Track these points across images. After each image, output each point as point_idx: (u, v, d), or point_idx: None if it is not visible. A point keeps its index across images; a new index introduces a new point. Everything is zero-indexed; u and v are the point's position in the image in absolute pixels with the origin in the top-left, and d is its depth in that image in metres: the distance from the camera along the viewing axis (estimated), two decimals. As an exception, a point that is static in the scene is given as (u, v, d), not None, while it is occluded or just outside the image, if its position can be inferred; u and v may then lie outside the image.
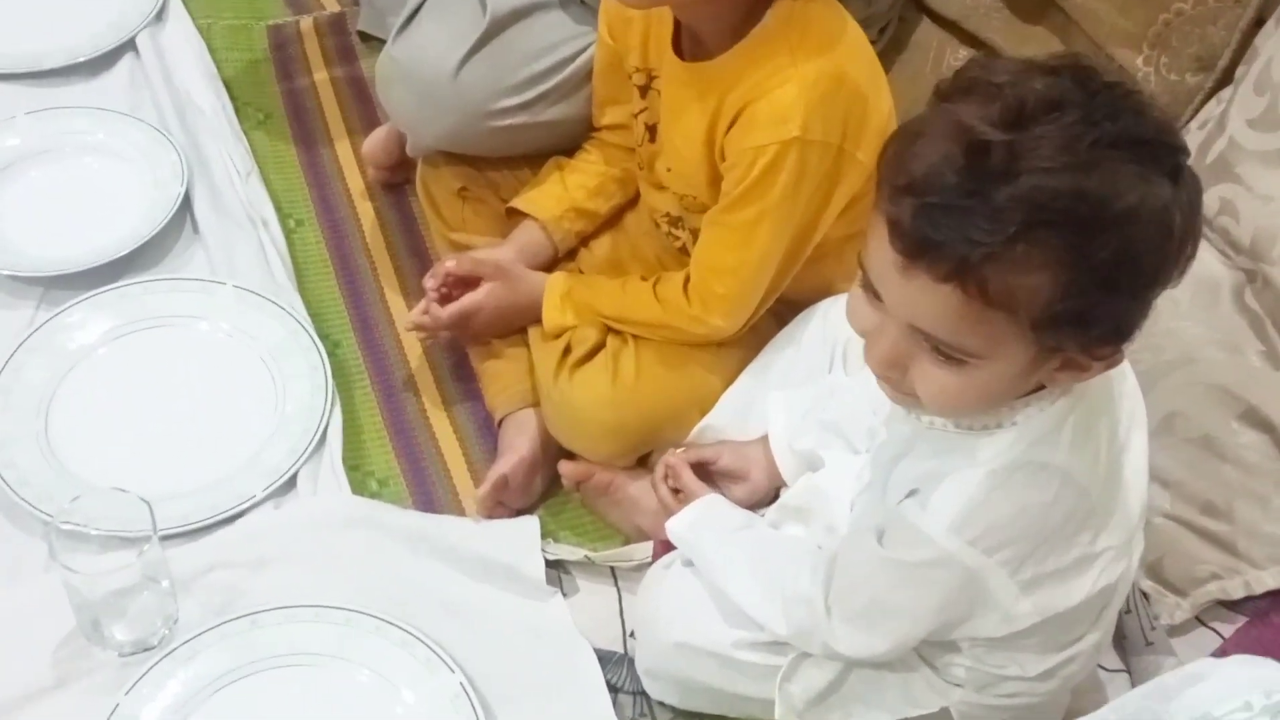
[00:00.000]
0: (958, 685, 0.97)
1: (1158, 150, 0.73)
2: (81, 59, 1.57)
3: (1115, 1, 1.32)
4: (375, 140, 1.48)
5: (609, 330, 1.20)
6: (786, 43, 1.05)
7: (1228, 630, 1.13)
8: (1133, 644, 1.13)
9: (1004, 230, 0.70)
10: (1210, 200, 1.23)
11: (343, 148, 1.53)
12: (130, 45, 1.59)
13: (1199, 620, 1.13)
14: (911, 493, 0.87)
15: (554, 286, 1.22)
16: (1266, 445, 1.13)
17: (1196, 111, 1.30)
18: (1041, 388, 0.82)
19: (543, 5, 1.29)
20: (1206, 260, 1.22)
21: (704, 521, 1.06)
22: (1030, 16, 1.44)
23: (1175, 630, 1.13)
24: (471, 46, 1.27)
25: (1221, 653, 1.12)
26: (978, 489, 0.82)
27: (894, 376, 0.81)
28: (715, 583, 1.03)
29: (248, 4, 1.71)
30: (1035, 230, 0.71)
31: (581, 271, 1.30)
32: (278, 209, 1.45)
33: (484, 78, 1.28)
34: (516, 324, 1.25)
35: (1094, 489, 0.85)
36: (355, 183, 1.50)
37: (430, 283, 1.23)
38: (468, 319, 1.24)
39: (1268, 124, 1.19)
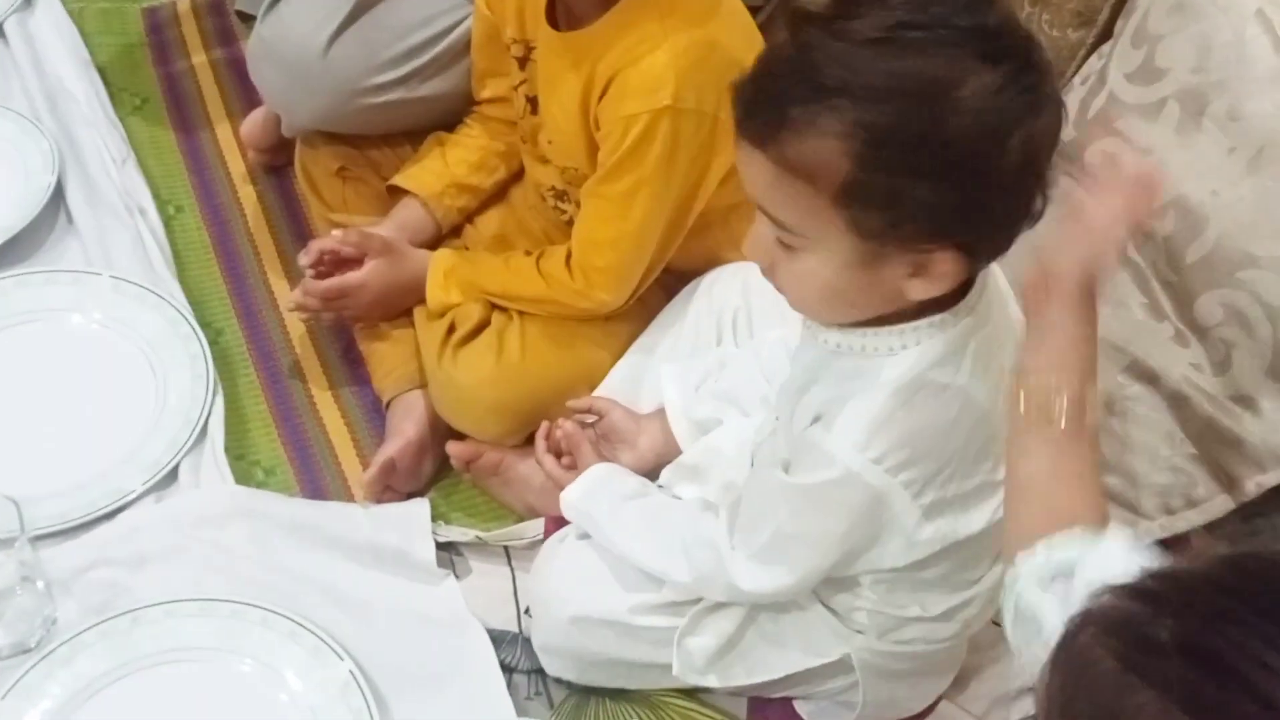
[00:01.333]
0: (859, 632, 0.98)
1: (986, 39, 0.75)
2: None
3: None
4: (253, 122, 1.46)
5: (494, 308, 1.20)
6: (657, 9, 1.05)
7: (1119, 580, 1.17)
8: (1028, 594, 1.15)
9: (802, 95, 0.74)
10: (1091, 153, 1.25)
11: (223, 131, 1.51)
12: None
13: (1092, 572, 1.17)
14: (816, 419, 0.87)
15: (437, 264, 1.22)
16: (1152, 396, 1.15)
17: (1080, 67, 1.30)
18: (922, 308, 0.83)
19: None
20: (1090, 213, 1.24)
21: (598, 490, 1.06)
22: None
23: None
24: (341, 22, 1.26)
25: (1114, 603, 1.15)
26: (881, 408, 0.84)
27: (768, 274, 0.84)
28: (613, 546, 1.03)
29: None
30: (834, 98, 0.73)
31: (468, 249, 1.29)
32: (156, 196, 1.43)
33: (355, 54, 1.27)
34: (401, 304, 1.25)
35: (995, 415, 0.86)
36: (236, 166, 1.48)
37: (305, 260, 1.22)
38: (350, 297, 1.22)
39: (1145, 77, 1.20)
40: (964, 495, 0.88)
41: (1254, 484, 1.12)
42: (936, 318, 0.83)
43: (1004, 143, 0.74)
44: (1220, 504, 1.14)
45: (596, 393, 1.18)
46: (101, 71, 1.55)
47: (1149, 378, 1.16)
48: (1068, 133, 1.26)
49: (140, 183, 1.44)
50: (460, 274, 1.21)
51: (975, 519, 0.88)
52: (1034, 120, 0.75)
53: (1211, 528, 1.15)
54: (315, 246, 1.22)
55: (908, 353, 0.84)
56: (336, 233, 1.25)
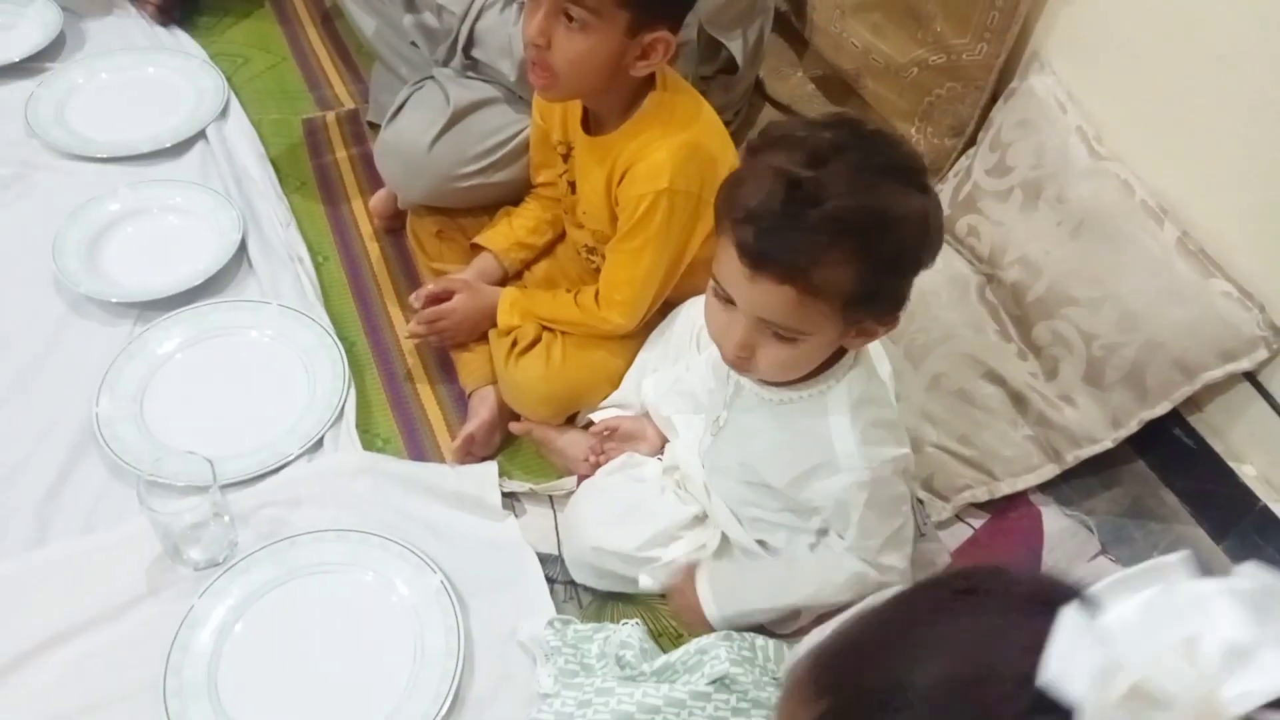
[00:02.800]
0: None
1: (911, 172, 0.75)
2: (166, 145, 1.49)
3: (895, 89, 1.32)
4: (378, 198, 1.43)
5: (544, 328, 1.19)
6: (658, 121, 1.05)
7: (978, 523, 1.15)
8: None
9: (820, 242, 0.72)
10: (961, 225, 1.24)
11: (357, 204, 1.48)
12: (202, 135, 1.52)
13: (958, 518, 1.15)
14: (815, 468, 0.87)
15: (505, 297, 1.21)
16: (1002, 395, 1.15)
17: (952, 165, 1.30)
18: (844, 352, 0.83)
19: (491, 100, 1.26)
20: (958, 266, 1.23)
21: (728, 583, 1.00)
22: (839, 100, 1.44)
23: (941, 525, 1.14)
24: (440, 129, 1.24)
25: (973, 541, 1.14)
26: (851, 430, 0.84)
27: (745, 358, 0.81)
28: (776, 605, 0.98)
29: (288, 104, 1.63)
30: (840, 238, 0.72)
31: (526, 287, 1.27)
32: (310, 249, 1.40)
33: (450, 152, 1.25)
34: (480, 327, 1.23)
35: (891, 395, 0.89)
36: (366, 229, 1.45)
37: (416, 302, 1.20)
38: (444, 321, 1.21)
39: (998, 172, 1.21)
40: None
41: (1072, 456, 1.12)
42: (847, 363, 0.84)
43: (933, 233, 0.75)
44: (1049, 470, 1.13)
45: (612, 397, 1.17)
46: (274, 162, 1.52)
47: (999, 381, 1.15)
48: (945, 209, 1.27)
49: (299, 240, 1.41)
50: (520, 304, 1.20)
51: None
52: (937, 210, 0.75)
53: (1042, 487, 1.16)
54: (422, 292, 1.21)
55: (838, 388, 0.83)
56: (430, 284, 1.23)
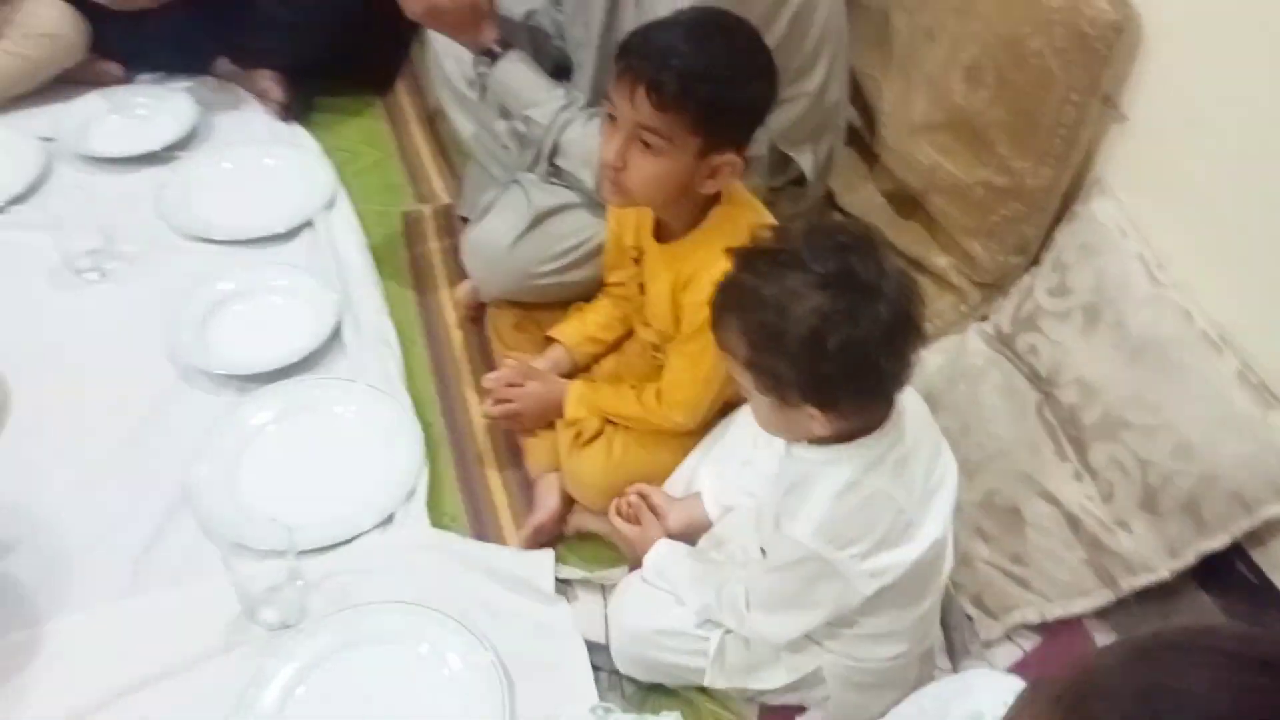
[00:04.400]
0: (830, 651, 1.01)
1: (827, 282, 0.81)
2: (278, 231, 1.63)
3: (960, 207, 1.38)
4: (463, 289, 1.53)
5: (607, 421, 1.25)
6: (722, 234, 1.11)
7: (1028, 645, 1.16)
8: (959, 653, 1.15)
9: (724, 310, 0.88)
10: (1021, 343, 1.28)
11: (444, 294, 1.59)
12: (309, 223, 1.66)
13: (1008, 638, 1.16)
14: (778, 518, 0.92)
15: (573, 390, 1.28)
16: (1056, 516, 1.17)
17: (1016, 282, 1.34)
18: (853, 434, 0.88)
19: (570, 205, 1.36)
20: (1017, 382, 1.26)
21: (672, 550, 1.12)
22: (906, 214, 1.50)
23: (991, 644, 1.15)
24: (521, 231, 1.34)
25: (1023, 663, 1.14)
26: (828, 505, 0.88)
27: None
28: (674, 587, 1.08)
29: (390, 197, 1.77)
30: (731, 314, 0.86)
31: (593, 380, 1.34)
32: (398, 333, 1.50)
33: (529, 253, 1.35)
34: (549, 415, 1.29)
35: (910, 508, 0.90)
36: (450, 317, 1.55)
37: (488, 383, 1.28)
38: (517, 403, 1.28)
39: (1059, 293, 1.24)
40: (893, 553, 0.91)
41: (1127, 584, 1.12)
42: (862, 441, 0.87)
43: (825, 340, 0.79)
44: (1103, 596, 1.14)
45: (667, 483, 1.22)
46: (373, 250, 1.64)
47: (1054, 501, 1.17)
48: (1007, 325, 1.31)
49: (389, 324, 1.51)
50: (587, 398, 1.26)
51: (900, 563, 0.91)
52: (849, 326, 0.80)
53: (1098, 613, 1.15)
54: (498, 375, 1.29)
55: (840, 467, 0.88)
56: (510, 363, 1.32)
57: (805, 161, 1.47)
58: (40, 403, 1.38)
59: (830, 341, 0.79)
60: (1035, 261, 1.32)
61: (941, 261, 1.42)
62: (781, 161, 1.48)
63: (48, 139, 1.78)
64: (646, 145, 1.04)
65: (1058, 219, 1.30)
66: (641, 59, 1.03)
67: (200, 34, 1.89)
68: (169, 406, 1.39)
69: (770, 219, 1.17)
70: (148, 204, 1.68)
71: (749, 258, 0.86)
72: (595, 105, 1.36)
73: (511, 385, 1.29)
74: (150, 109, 1.88)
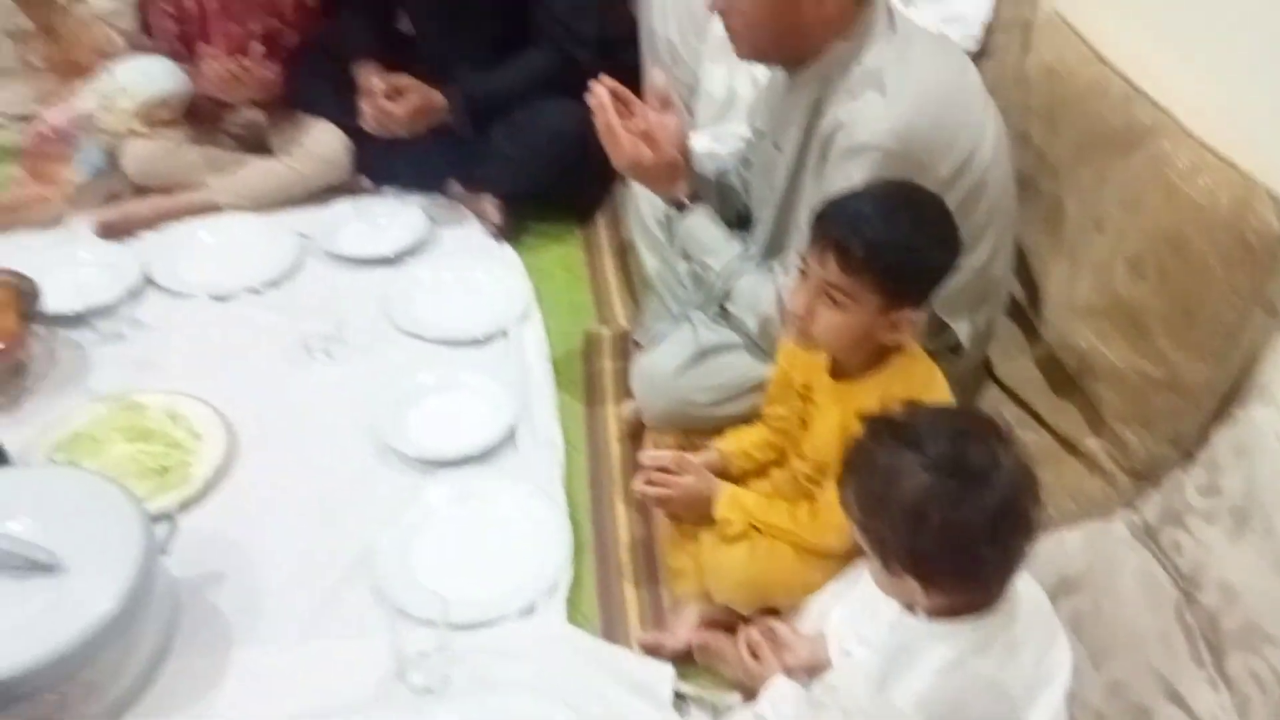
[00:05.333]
0: None
1: (936, 465, 0.86)
2: (478, 336, 1.85)
3: (1116, 393, 1.38)
4: (627, 408, 1.67)
5: (753, 527, 1.30)
6: (896, 380, 1.19)
7: None
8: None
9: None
10: (1166, 538, 1.27)
11: (611, 409, 1.73)
12: (504, 332, 1.87)
13: (1120, 837, 1.13)
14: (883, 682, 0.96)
15: (727, 490, 1.33)
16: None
17: (1167, 474, 1.31)
18: (963, 610, 0.91)
19: (733, 346, 1.47)
20: (1159, 577, 1.24)
21: (782, 695, 1.16)
22: (1062, 392, 1.50)
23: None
24: (686, 363, 1.46)
25: None
26: (930, 680, 0.91)
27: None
28: None
29: (576, 316, 1.95)
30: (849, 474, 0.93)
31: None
32: (565, 439, 1.65)
33: (691, 383, 1.46)
34: (696, 508, 1.34)
35: (1015, 694, 0.92)
36: (613, 431, 1.68)
37: (646, 461, 1.36)
38: (668, 491, 1.35)
39: (1209, 492, 1.22)
40: None
41: (1255, 810, 1.07)
42: (971, 620, 0.91)
43: (926, 518, 0.84)
44: (1228, 814, 1.09)
45: (804, 604, 1.26)
46: (554, 362, 1.82)
47: (1184, 706, 1.13)
48: (1153, 517, 1.30)
49: (558, 431, 1.67)
50: (740, 502, 1.32)
51: None
52: (950, 509, 0.84)
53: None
54: (658, 455, 1.37)
55: (946, 643, 0.91)
56: (668, 451, 1.38)
57: (962, 330, 1.53)
58: (264, 456, 1.62)
59: (931, 520, 0.84)
60: (1188, 456, 1.31)
61: (1093, 444, 1.43)
62: (939, 327, 1.55)
63: (303, 235, 2.11)
64: (832, 300, 1.15)
65: (1215, 417, 1.29)
66: (834, 224, 1.15)
67: (438, 159, 2.20)
68: (364, 477, 1.59)
69: (941, 378, 1.24)
70: (375, 300, 1.95)
71: (875, 425, 0.94)
72: (769, 258, 1.50)
73: (666, 471, 1.36)
74: (388, 218, 2.19)
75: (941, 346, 1.55)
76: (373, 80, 2.07)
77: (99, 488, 1.34)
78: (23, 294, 1.74)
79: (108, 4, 2.12)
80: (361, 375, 1.79)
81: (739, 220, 1.64)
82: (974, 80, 1.45)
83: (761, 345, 1.47)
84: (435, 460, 1.60)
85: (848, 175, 1.29)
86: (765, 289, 1.45)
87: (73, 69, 2.10)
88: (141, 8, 2.18)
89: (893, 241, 1.13)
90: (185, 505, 1.51)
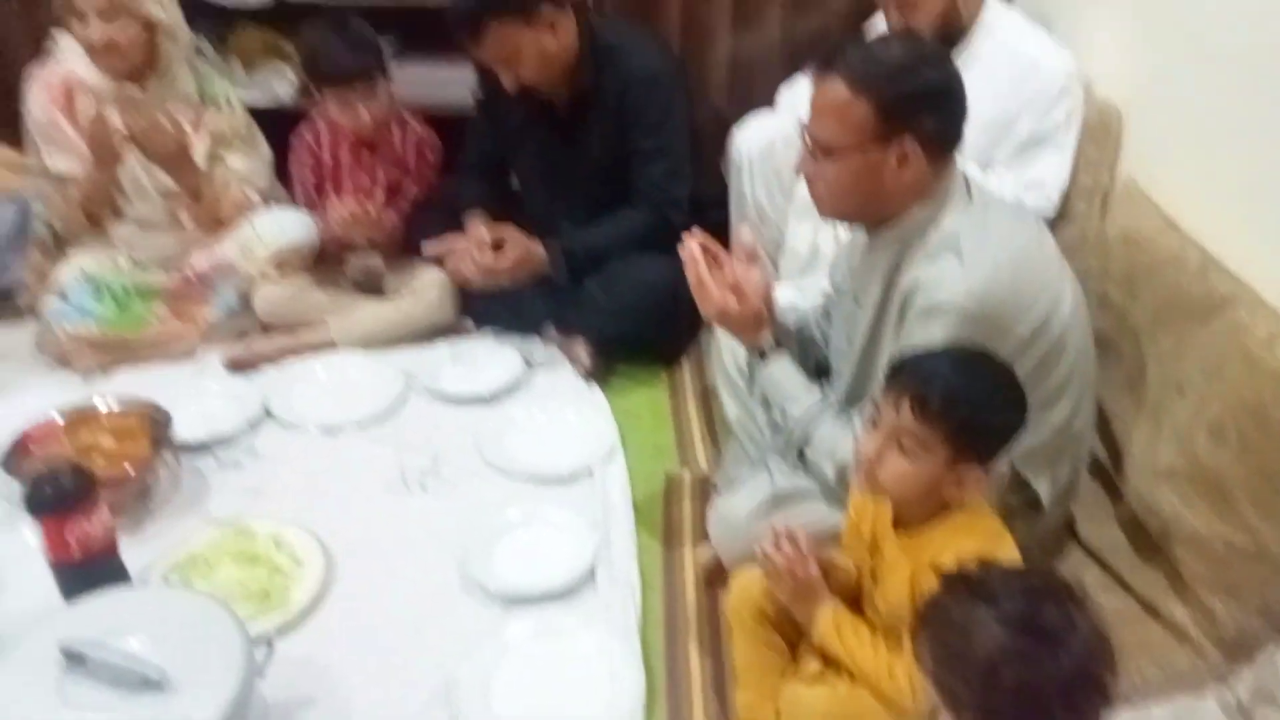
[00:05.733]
0: None
1: (1010, 619, 0.88)
2: (563, 474, 1.92)
3: (1202, 560, 1.36)
4: (703, 551, 1.70)
5: (833, 664, 1.30)
6: (960, 533, 1.21)
7: None
8: None
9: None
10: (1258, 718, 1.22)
11: (688, 551, 1.76)
12: (589, 471, 1.94)
13: None
14: None
15: (830, 609, 1.31)
16: None
17: (1261, 649, 1.27)
18: None
19: (808, 494, 1.51)
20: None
21: None
22: (1146, 557, 1.49)
23: None
24: (760, 509, 1.51)
25: None
26: None
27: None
28: None
29: (659, 458, 2.02)
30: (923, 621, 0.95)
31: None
32: (642, 579, 1.69)
33: (765, 529, 1.45)
34: (801, 601, 1.31)
35: None
36: (689, 575, 1.72)
37: (779, 526, 1.34)
38: (798, 571, 1.31)
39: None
40: None
41: None
42: None
43: (1000, 675, 0.85)
44: None
45: None
46: (636, 502, 1.87)
47: None
48: (1246, 696, 1.26)
49: (636, 571, 1.71)
50: (842, 626, 1.30)
51: None
52: (1024, 668, 0.85)
53: None
54: (790, 532, 1.34)
55: None
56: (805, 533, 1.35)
57: (1042, 487, 1.54)
58: (358, 584, 1.71)
59: (1004, 678, 0.85)
60: (1277, 628, 1.28)
61: (1179, 612, 1.40)
62: (1020, 483, 1.56)
63: (408, 374, 2.27)
64: (902, 448, 1.21)
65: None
66: (912, 374, 1.23)
67: (536, 305, 2.36)
68: (449, 608, 1.66)
69: (1008, 537, 1.25)
70: (471, 436, 2.06)
71: (950, 579, 0.97)
72: (847, 408, 1.56)
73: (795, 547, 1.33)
74: (487, 360, 2.33)
75: (1021, 503, 1.57)
76: (480, 230, 2.25)
77: (208, 610, 1.44)
78: (155, 423, 1.91)
79: (244, 166, 2.37)
80: (453, 509, 1.88)
81: (818, 371, 1.71)
82: (1050, 245, 1.51)
83: (838, 493, 1.50)
84: (517, 596, 1.65)
85: (927, 333, 1.36)
86: (843, 437, 1.50)
87: (214, 223, 2.34)
88: (283, 162, 2.45)
89: (968, 397, 1.20)
90: (283, 630, 1.60)
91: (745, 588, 1.43)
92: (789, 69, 2.38)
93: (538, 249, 2.24)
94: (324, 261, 2.43)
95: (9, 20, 2.53)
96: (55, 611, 1.47)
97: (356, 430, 2.11)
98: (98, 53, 2.14)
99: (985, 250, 1.37)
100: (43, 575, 1.52)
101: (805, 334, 1.75)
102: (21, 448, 1.80)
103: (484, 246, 2.22)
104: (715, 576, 1.70)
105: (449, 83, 2.59)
